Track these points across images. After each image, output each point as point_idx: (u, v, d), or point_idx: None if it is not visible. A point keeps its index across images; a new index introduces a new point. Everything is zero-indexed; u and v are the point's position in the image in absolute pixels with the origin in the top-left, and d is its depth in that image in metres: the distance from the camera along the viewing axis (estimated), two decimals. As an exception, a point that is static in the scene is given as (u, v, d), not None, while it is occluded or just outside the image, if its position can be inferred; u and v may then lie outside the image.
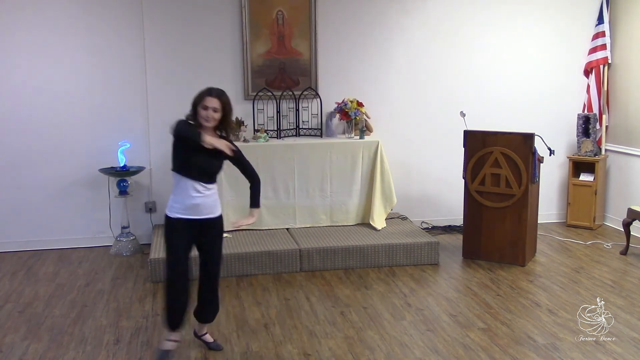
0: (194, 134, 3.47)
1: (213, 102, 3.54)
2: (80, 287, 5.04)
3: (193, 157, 3.54)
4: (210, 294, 3.78)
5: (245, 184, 5.77)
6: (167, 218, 3.63)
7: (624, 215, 5.86)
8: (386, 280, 5.16)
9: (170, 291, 3.63)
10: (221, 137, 3.67)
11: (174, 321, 3.65)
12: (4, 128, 5.83)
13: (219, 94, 3.59)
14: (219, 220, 3.71)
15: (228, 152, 3.53)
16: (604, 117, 6.60)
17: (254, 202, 3.85)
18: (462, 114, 5.64)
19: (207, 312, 3.84)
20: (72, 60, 5.86)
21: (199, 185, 3.56)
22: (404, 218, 6.34)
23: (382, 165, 5.98)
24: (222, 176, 5.69)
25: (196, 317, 3.87)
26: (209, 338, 3.94)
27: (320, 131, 6.26)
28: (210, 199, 3.63)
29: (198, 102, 3.56)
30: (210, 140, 3.47)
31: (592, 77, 6.61)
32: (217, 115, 3.57)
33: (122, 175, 5.84)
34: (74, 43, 5.85)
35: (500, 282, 5.11)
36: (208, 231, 3.67)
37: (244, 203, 5.77)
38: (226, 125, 3.68)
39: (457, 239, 6.10)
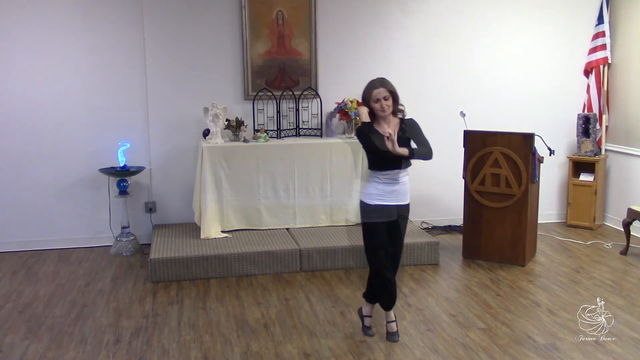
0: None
1: (381, 93, 3.74)
2: (80, 287, 5.04)
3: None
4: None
5: (245, 186, 5.82)
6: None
7: (624, 215, 5.86)
8: (386, 280, 5.16)
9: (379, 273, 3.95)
10: (401, 120, 3.92)
11: None
12: (4, 128, 5.83)
13: (382, 82, 3.81)
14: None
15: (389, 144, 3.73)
16: (604, 117, 6.60)
17: (413, 149, 3.89)
18: (462, 114, 5.64)
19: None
20: (72, 60, 5.86)
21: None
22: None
23: (382, 165, 5.97)
24: (222, 176, 5.72)
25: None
26: (392, 327, 4.07)
27: (320, 131, 6.26)
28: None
29: (369, 99, 3.79)
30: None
31: (592, 77, 6.61)
32: (390, 102, 3.78)
33: (122, 175, 5.84)
34: (74, 43, 5.84)
35: (500, 282, 5.11)
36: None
37: (244, 203, 5.84)
38: (396, 106, 3.88)
39: (457, 239, 6.10)
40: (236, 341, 4.04)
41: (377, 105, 3.77)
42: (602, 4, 6.55)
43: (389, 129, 3.75)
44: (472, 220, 5.63)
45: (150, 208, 6.18)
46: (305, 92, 6.17)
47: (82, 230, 6.08)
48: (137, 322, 4.35)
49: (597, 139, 6.60)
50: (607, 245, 6.04)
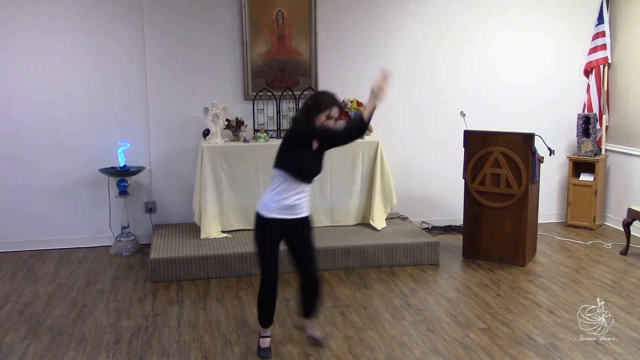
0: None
1: (337, 112, 3.62)
2: (80, 287, 5.04)
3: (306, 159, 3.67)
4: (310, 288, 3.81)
5: (245, 186, 5.82)
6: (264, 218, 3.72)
7: (624, 215, 5.86)
8: (386, 280, 5.16)
9: (264, 293, 3.73)
10: None
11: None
12: (4, 128, 5.83)
13: (338, 102, 3.68)
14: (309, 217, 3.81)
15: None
16: (604, 117, 6.61)
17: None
18: (462, 114, 5.64)
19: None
20: (73, 60, 5.86)
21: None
22: (404, 218, 6.34)
23: (382, 165, 5.97)
24: (222, 176, 5.72)
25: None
26: (315, 333, 3.95)
27: (320, 131, 6.25)
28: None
29: (322, 111, 3.59)
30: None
31: (592, 77, 6.61)
32: (337, 123, 3.67)
33: (122, 175, 5.84)
34: (74, 43, 5.84)
35: (500, 282, 5.11)
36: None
37: (244, 203, 5.84)
38: None
39: (457, 239, 6.11)
40: (236, 341, 4.04)
41: (328, 122, 3.59)
42: (602, 4, 6.55)
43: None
44: (472, 220, 5.63)
45: (150, 208, 6.18)
46: (305, 92, 6.17)
47: (82, 230, 6.08)
48: (137, 322, 4.35)
49: (597, 139, 6.60)
50: (607, 245, 6.04)
